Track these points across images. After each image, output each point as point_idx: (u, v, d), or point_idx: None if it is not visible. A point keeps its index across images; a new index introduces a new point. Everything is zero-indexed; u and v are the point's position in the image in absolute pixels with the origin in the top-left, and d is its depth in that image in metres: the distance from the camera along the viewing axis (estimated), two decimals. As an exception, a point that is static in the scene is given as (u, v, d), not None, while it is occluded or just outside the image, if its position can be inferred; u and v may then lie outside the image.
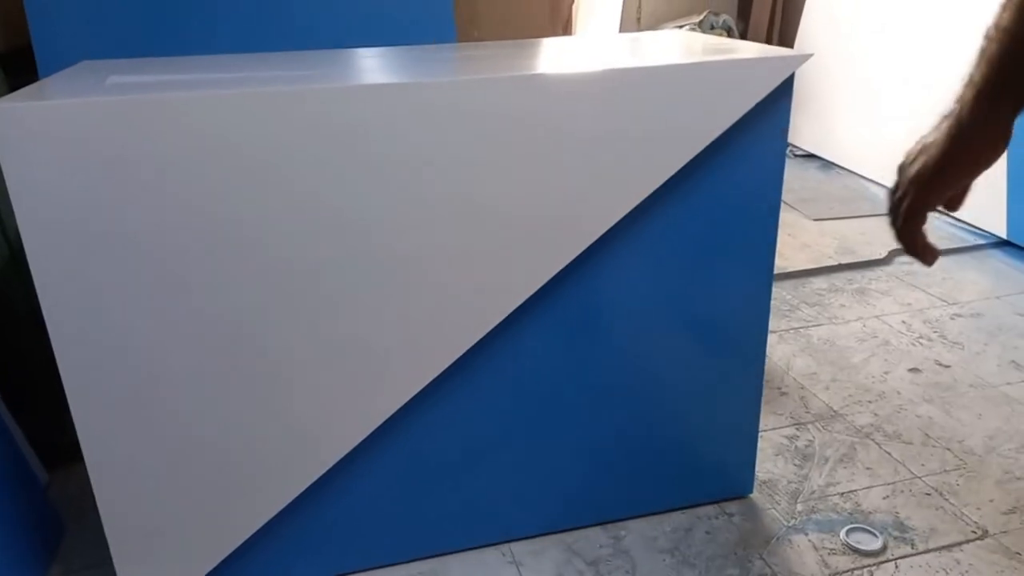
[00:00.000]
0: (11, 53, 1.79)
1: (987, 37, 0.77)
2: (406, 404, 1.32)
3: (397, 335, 1.28)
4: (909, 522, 1.58)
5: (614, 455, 1.52)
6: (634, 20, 4.48)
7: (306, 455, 1.31)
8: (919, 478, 1.70)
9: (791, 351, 2.23)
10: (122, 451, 1.22)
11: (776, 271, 1.49)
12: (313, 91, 1.13)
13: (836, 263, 2.79)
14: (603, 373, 1.45)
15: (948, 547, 1.51)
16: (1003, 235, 2.92)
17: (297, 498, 1.33)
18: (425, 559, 1.50)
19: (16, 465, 1.50)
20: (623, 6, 4.35)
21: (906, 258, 2.82)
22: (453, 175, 1.21)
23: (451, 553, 1.51)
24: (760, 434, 1.64)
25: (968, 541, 1.53)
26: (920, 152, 0.84)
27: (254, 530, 1.33)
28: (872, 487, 1.68)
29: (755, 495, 1.66)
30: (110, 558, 1.28)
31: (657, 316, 1.44)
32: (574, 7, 3.38)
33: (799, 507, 1.62)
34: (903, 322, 2.38)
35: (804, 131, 4.02)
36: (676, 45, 1.56)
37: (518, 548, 1.52)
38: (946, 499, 1.64)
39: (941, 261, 2.78)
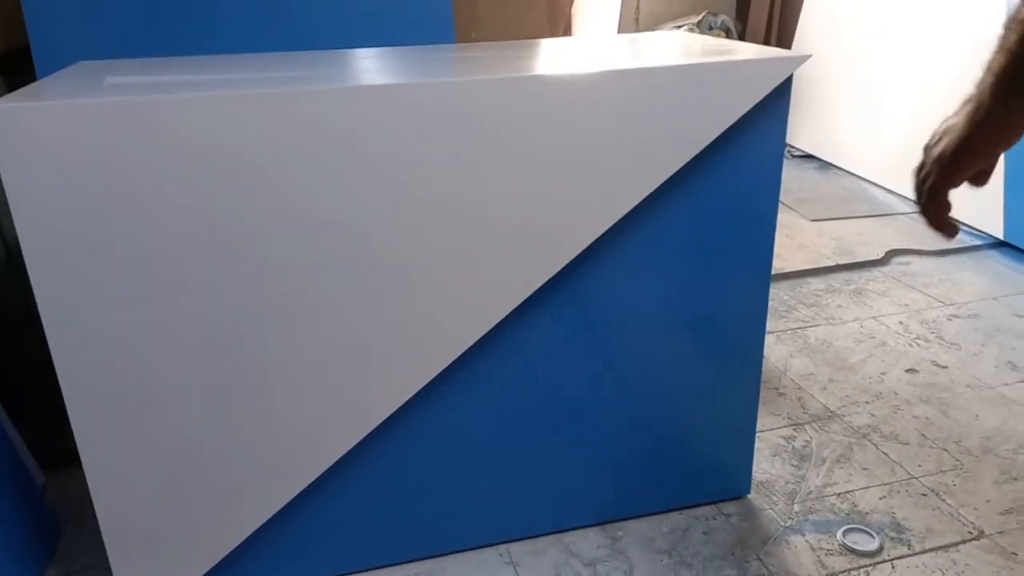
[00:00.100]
0: (9, 53, 1.79)
1: (1006, 27, 0.82)
2: (403, 405, 1.32)
3: (394, 337, 1.28)
4: (906, 522, 1.58)
5: (612, 455, 1.53)
6: (632, 20, 4.48)
7: (303, 457, 1.31)
8: (916, 479, 1.70)
9: (788, 352, 2.23)
10: (119, 453, 1.22)
11: (774, 272, 1.49)
12: (311, 92, 1.13)
13: (834, 264, 2.79)
14: (601, 374, 1.45)
15: (945, 547, 1.52)
16: (1000, 236, 2.92)
17: (294, 499, 1.33)
18: (423, 560, 1.50)
19: (13, 467, 1.50)
20: (621, 6, 4.36)
21: (903, 259, 2.84)
22: (450, 176, 1.21)
23: (449, 554, 1.51)
24: (757, 435, 1.65)
25: (965, 541, 1.53)
26: (944, 133, 0.89)
27: (251, 531, 1.33)
28: (869, 487, 1.68)
29: (752, 495, 1.66)
30: (107, 560, 1.28)
31: (655, 317, 1.44)
32: (573, 7, 3.38)
33: (796, 508, 1.62)
34: (900, 323, 2.39)
35: (802, 132, 4.03)
36: (675, 46, 1.56)
37: (516, 548, 1.52)
38: (943, 499, 1.64)
39: (938, 262, 2.80)
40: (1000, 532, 1.55)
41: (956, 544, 1.52)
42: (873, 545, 1.52)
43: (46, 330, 1.12)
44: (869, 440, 1.84)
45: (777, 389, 2.05)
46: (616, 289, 1.40)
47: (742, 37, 4.56)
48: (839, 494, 1.66)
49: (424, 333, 1.29)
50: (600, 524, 1.58)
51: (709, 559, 1.50)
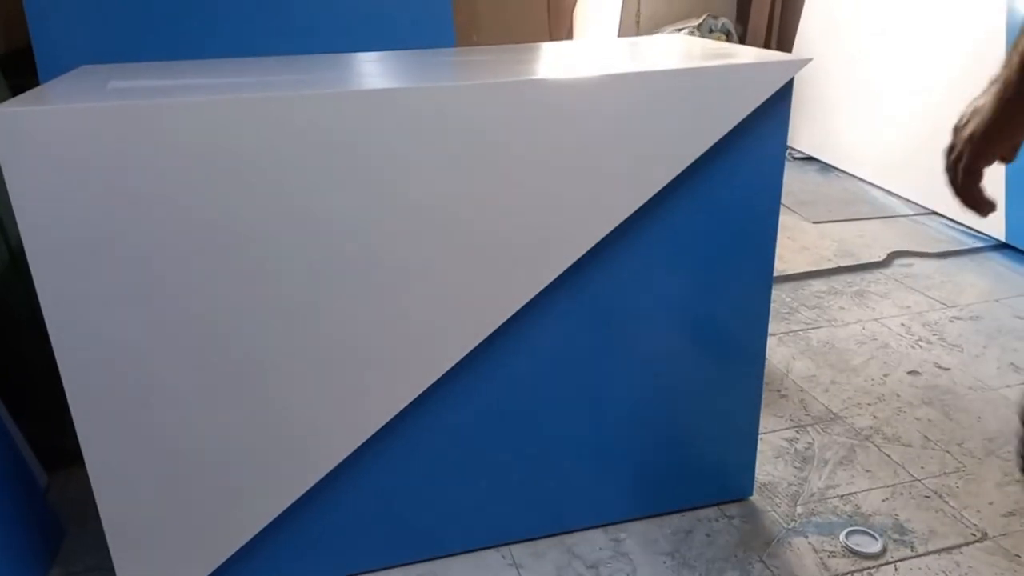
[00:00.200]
0: (11, 55, 1.79)
1: None
2: (405, 407, 1.32)
3: (396, 340, 1.28)
4: (909, 524, 1.58)
5: (614, 457, 1.53)
6: (633, 23, 4.49)
7: (305, 459, 1.31)
8: (919, 480, 1.70)
9: (790, 354, 2.23)
10: (123, 454, 1.22)
11: (775, 274, 1.50)
12: (312, 96, 1.14)
13: (835, 266, 2.79)
14: (603, 376, 1.45)
15: (948, 549, 1.51)
16: (1002, 238, 2.92)
17: (297, 501, 1.33)
18: (425, 561, 1.50)
19: (16, 468, 1.50)
20: (622, 9, 4.36)
21: (905, 260, 2.84)
22: (451, 180, 1.22)
23: (451, 555, 1.51)
24: (760, 436, 1.65)
25: (968, 543, 1.53)
26: (972, 114, 0.92)
27: (254, 533, 1.33)
28: (872, 489, 1.68)
29: (755, 497, 1.66)
30: (109, 561, 1.28)
31: (657, 319, 1.44)
32: (575, 10, 3.39)
33: (799, 509, 1.62)
34: (902, 325, 2.38)
35: (803, 134, 4.03)
36: (676, 50, 1.56)
37: (518, 550, 1.52)
38: (946, 501, 1.64)
39: (940, 264, 2.80)
40: (1003, 534, 1.54)
41: (959, 546, 1.52)
42: (876, 547, 1.51)
43: (49, 331, 1.13)
44: (871, 442, 1.84)
45: (779, 391, 2.05)
46: (618, 292, 1.40)
47: (742, 40, 4.56)
48: (842, 496, 1.66)
49: (425, 337, 1.29)
50: (602, 526, 1.58)
51: (712, 561, 1.49)
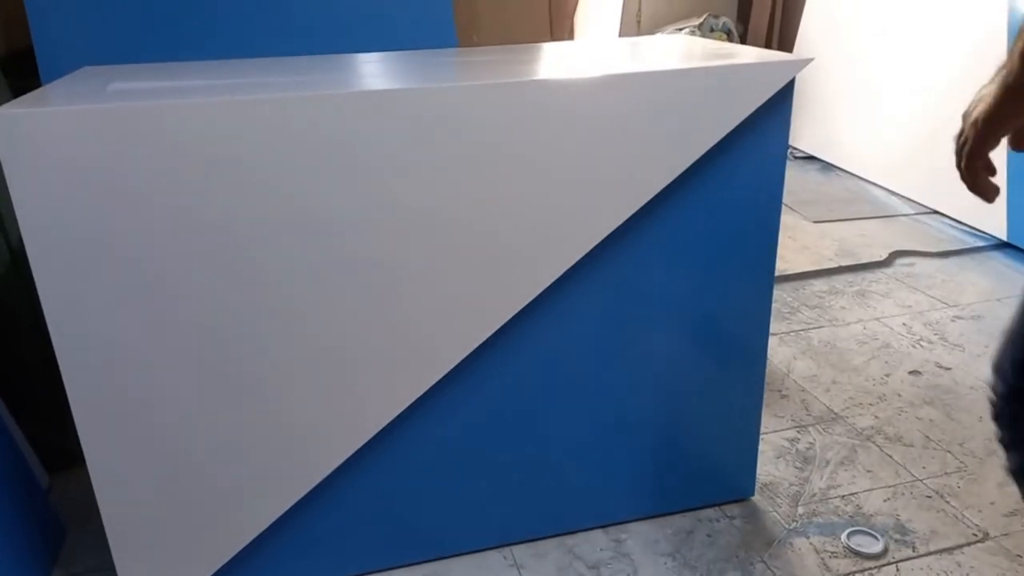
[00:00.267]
0: (12, 56, 1.79)
1: None
2: (406, 408, 1.32)
3: (398, 342, 1.28)
4: (910, 525, 1.58)
5: (615, 458, 1.53)
6: (634, 22, 4.49)
7: (306, 460, 1.31)
8: (920, 481, 1.70)
9: (792, 353, 2.23)
10: (124, 455, 1.22)
11: (776, 273, 1.49)
12: (316, 97, 1.14)
13: (836, 265, 2.79)
14: (605, 376, 1.45)
15: (949, 550, 1.51)
16: (1003, 237, 2.92)
17: (298, 502, 1.33)
18: (426, 562, 1.50)
19: (17, 468, 1.50)
20: (623, 8, 4.36)
21: (906, 260, 2.84)
22: (451, 182, 1.21)
23: (452, 556, 1.51)
24: (761, 437, 1.65)
25: (969, 544, 1.53)
26: (979, 101, 0.96)
27: (255, 534, 1.33)
28: (873, 490, 1.68)
29: (756, 498, 1.66)
30: (111, 562, 1.28)
31: (659, 319, 1.44)
32: (576, 9, 3.38)
33: (800, 510, 1.62)
34: (903, 324, 2.38)
35: (804, 133, 4.03)
36: (677, 50, 1.56)
37: (519, 551, 1.52)
38: (947, 502, 1.64)
39: (941, 263, 2.80)
40: (1005, 534, 1.54)
41: (961, 546, 1.52)
42: (877, 547, 1.51)
43: (51, 333, 1.13)
44: (873, 442, 1.83)
45: (780, 391, 2.05)
46: (619, 292, 1.40)
47: (743, 39, 4.56)
48: (843, 496, 1.66)
49: (427, 338, 1.29)
50: (603, 526, 1.58)
51: (713, 562, 1.49)
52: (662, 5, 4.54)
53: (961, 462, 1.76)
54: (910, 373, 2.13)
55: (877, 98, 3.60)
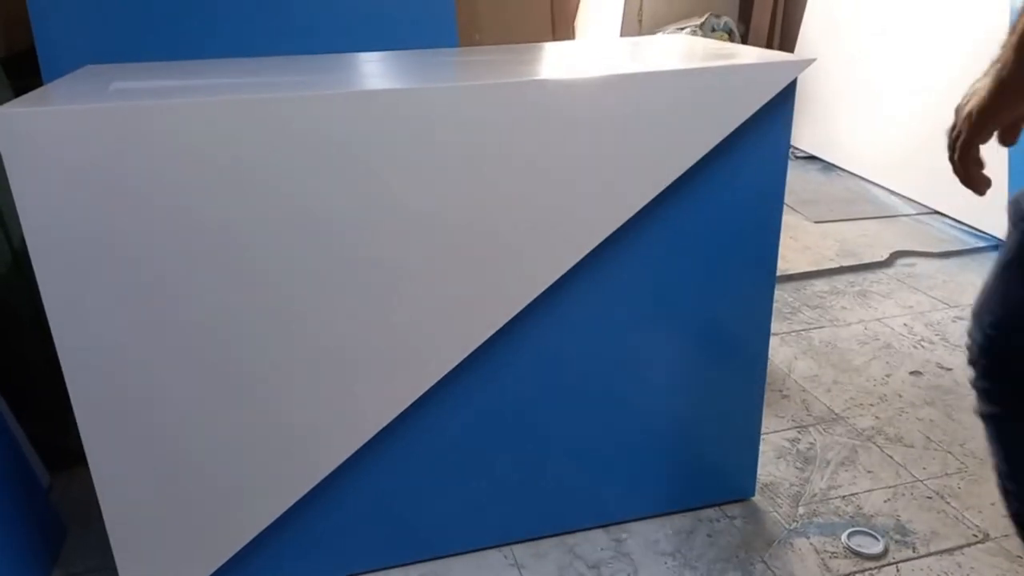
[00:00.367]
0: (14, 57, 1.79)
1: None
2: (407, 408, 1.32)
3: (399, 342, 1.28)
4: (910, 525, 1.58)
5: (616, 457, 1.53)
6: (635, 22, 4.49)
7: (307, 460, 1.32)
8: (920, 481, 1.70)
9: (792, 353, 2.23)
10: (125, 455, 1.22)
11: (777, 273, 1.49)
12: (318, 97, 1.14)
13: (837, 265, 2.79)
14: (605, 375, 1.45)
15: (949, 550, 1.51)
16: (1004, 238, 2.91)
17: (298, 501, 1.33)
18: (426, 561, 1.50)
19: (18, 468, 1.50)
20: (624, 8, 4.36)
21: (907, 260, 2.84)
22: (452, 182, 1.22)
23: (453, 555, 1.51)
24: (762, 437, 1.65)
25: (969, 544, 1.53)
26: (973, 95, 0.99)
27: (255, 533, 1.33)
28: (873, 490, 1.68)
29: (757, 498, 1.66)
30: (111, 562, 1.28)
31: (659, 319, 1.44)
32: (578, 9, 3.38)
33: (801, 510, 1.62)
34: (904, 325, 2.38)
35: (805, 133, 4.03)
36: (679, 50, 1.56)
37: (520, 550, 1.53)
38: (947, 502, 1.64)
39: (942, 263, 2.80)
40: (1005, 535, 1.54)
41: (961, 547, 1.52)
42: (878, 548, 1.51)
43: (52, 332, 1.13)
44: (873, 442, 1.83)
45: (781, 391, 2.05)
46: (620, 292, 1.40)
47: (744, 39, 4.56)
48: (843, 497, 1.66)
49: (427, 338, 1.29)
50: (604, 526, 1.58)
51: (713, 561, 1.49)
52: (663, 5, 4.54)
53: (962, 463, 1.76)
54: (911, 374, 2.12)
55: (878, 98, 3.60)
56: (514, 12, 2.54)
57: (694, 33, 4.34)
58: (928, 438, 1.85)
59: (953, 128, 1.03)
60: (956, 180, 1.08)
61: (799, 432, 1.88)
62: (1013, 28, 0.93)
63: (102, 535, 1.26)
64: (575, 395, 1.45)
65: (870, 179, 3.64)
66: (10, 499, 1.42)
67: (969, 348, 1.14)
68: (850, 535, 1.54)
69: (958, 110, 1.02)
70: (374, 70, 1.45)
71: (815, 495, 1.67)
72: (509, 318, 1.31)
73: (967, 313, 2.45)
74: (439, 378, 1.32)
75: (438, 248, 1.25)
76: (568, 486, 1.52)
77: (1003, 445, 1.18)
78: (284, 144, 1.13)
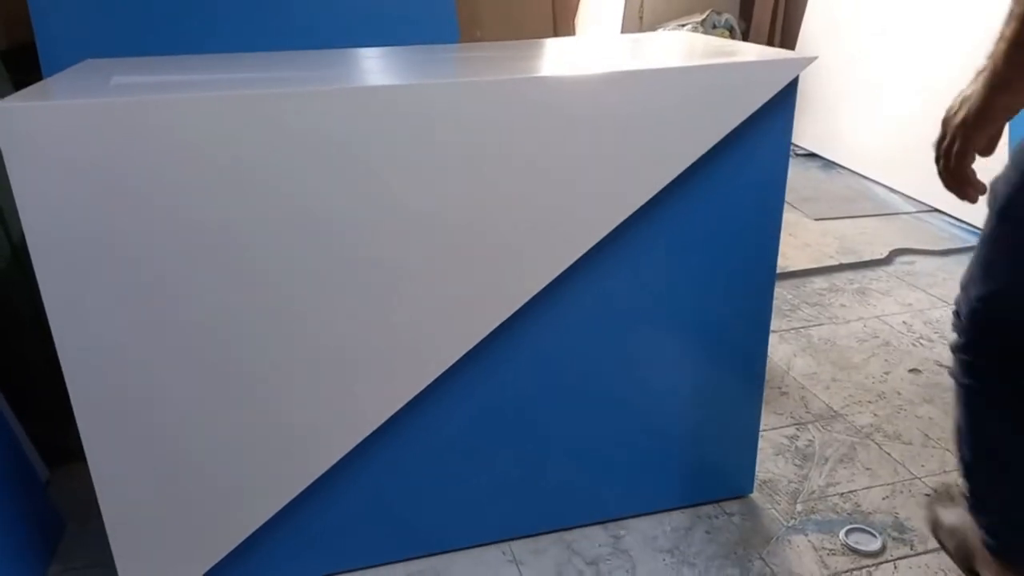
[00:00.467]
0: (14, 51, 1.79)
1: (1015, 0, 0.97)
2: (405, 404, 1.32)
3: (397, 339, 1.28)
4: (908, 523, 1.58)
5: (614, 454, 1.53)
6: (636, 18, 4.48)
7: (304, 456, 1.32)
8: (919, 479, 1.70)
9: (792, 351, 2.23)
10: (124, 452, 1.22)
11: (777, 271, 1.49)
12: (321, 92, 1.13)
13: (837, 263, 2.79)
14: (604, 372, 1.45)
15: (947, 548, 1.52)
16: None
17: (296, 497, 1.33)
18: (425, 557, 1.50)
19: (17, 463, 1.51)
20: (625, 5, 4.35)
21: (907, 258, 2.84)
22: (452, 178, 1.21)
23: (451, 551, 1.51)
24: (760, 434, 1.65)
25: (967, 542, 1.53)
26: (962, 103, 1.02)
27: (253, 529, 1.34)
28: (872, 487, 1.68)
29: (755, 495, 1.66)
30: (109, 557, 1.28)
31: (659, 316, 1.44)
32: (579, 5, 3.38)
33: (799, 507, 1.63)
34: (904, 322, 2.38)
35: (806, 130, 4.03)
36: (681, 47, 1.56)
37: (518, 546, 1.53)
38: (946, 500, 1.64)
39: (942, 261, 2.80)
40: (1003, 533, 1.55)
41: (959, 544, 1.52)
42: (875, 545, 1.52)
43: (52, 328, 1.13)
44: (872, 440, 1.84)
45: (780, 388, 2.05)
46: (621, 289, 1.40)
47: (745, 36, 4.55)
48: (842, 494, 1.66)
49: (425, 335, 1.29)
50: (602, 522, 1.58)
51: (711, 558, 1.50)
52: (664, 1, 4.53)
53: (960, 460, 1.76)
54: (910, 371, 2.13)
55: (878, 95, 3.60)
56: (515, 8, 2.54)
57: (695, 30, 4.33)
58: (927, 436, 1.85)
59: (942, 139, 1.05)
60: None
61: (798, 429, 1.88)
62: (1000, 36, 0.97)
63: (100, 530, 1.26)
64: (574, 392, 1.45)
65: (870, 176, 3.64)
66: (9, 494, 1.43)
67: (956, 314, 1.29)
68: (848, 532, 1.55)
69: (946, 121, 1.04)
70: (375, 66, 1.45)
71: (813, 492, 1.67)
72: (508, 315, 1.31)
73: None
74: (438, 375, 1.32)
75: (437, 244, 1.24)
76: (567, 483, 1.53)
77: (970, 414, 1.31)
78: (284, 139, 1.13)
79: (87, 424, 1.19)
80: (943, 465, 1.75)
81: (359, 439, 1.32)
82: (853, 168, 3.76)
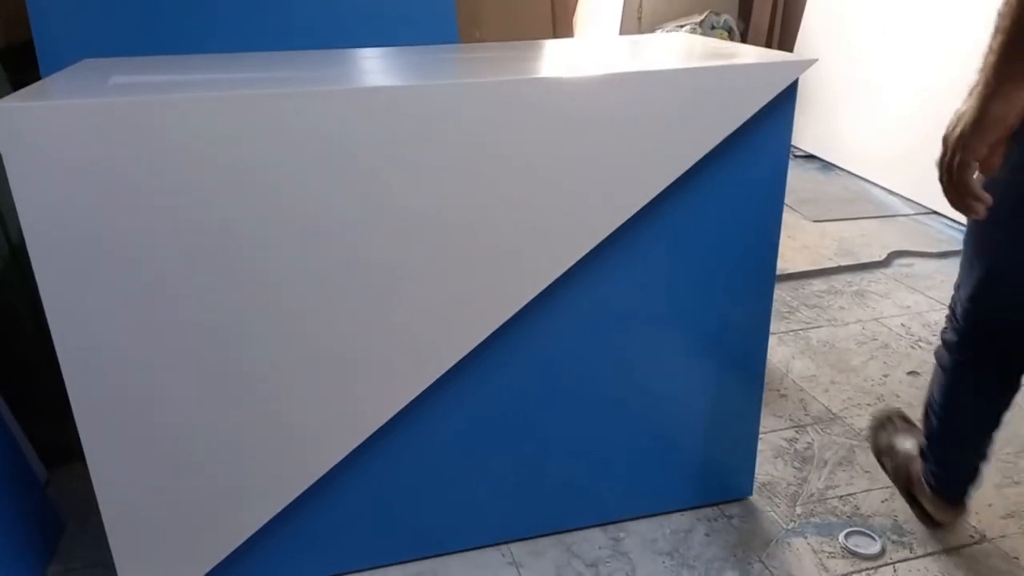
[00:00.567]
0: (12, 50, 1.78)
1: (1000, 13, 0.99)
2: (405, 406, 1.32)
3: (397, 341, 1.28)
4: (907, 526, 1.58)
5: (614, 456, 1.53)
6: (635, 19, 4.48)
7: (304, 458, 1.31)
8: (918, 481, 1.70)
9: (790, 353, 2.23)
10: (123, 452, 1.22)
11: (776, 273, 1.49)
12: (320, 93, 1.13)
13: (836, 265, 2.79)
14: (604, 375, 1.45)
15: (946, 551, 1.52)
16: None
17: (296, 499, 1.33)
18: (425, 559, 1.50)
19: (16, 463, 1.50)
20: (624, 5, 4.35)
21: (906, 260, 2.84)
22: (451, 180, 1.21)
23: (451, 553, 1.51)
24: (760, 436, 1.65)
25: (966, 545, 1.53)
26: (958, 119, 1.05)
27: (253, 531, 1.33)
28: (871, 490, 1.68)
29: (754, 497, 1.66)
30: (109, 557, 1.28)
31: (658, 319, 1.44)
32: (578, 6, 3.38)
33: (798, 510, 1.62)
34: (902, 325, 2.39)
35: (804, 132, 4.03)
36: (679, 48, 1.56)
37: (518, 549, 1.53)
38: (945, 503, 1.64)
39: (940, 264, 2.80)
40: (1002, 536, 1.55)
41: (958, 548, 1.52)
42: (875, 548, 1.52)
43: (51, 329, 1.12)
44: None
45: (779, 391, 2.05)
46: (620, 291, 1.40)
47: (744, 37, 4.56)
48: (841, 497, 1.66)
49: (425, 337, 1.29)
50: (602, 525, 1.58)
51: (711, 561, 1.50)
52: (663, 2, 4.53)
53: (959, 463, 1.76)
54: (908, 374, 2.13)
55: (878, 97, 3.60)
56: (515, 9, 2.53)
57: (694, 31, 4.33)
58: (925, 438, 1.85)
59: (943, 157, 1.08)
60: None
61: (797, 432, 1.88)
62: (989, 50, 1.01)
63: (99, 530, 1.26)
64: (574, 394, 1.45)
65: (869, 178, 3.64)
66: (8, 494, 1.42)
67: (951, 307, 1.41)
68: (847, 535, 1.55)
69: (946, 138, 1.07)
70: (375, 66, 1.45)
71: (812, 495, 1.67)
72: (508, 317, 1.31)
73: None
74: (437, 377, 1.31)
75: (437, 245, 1.24)
76: (567, 484, 1.52)
77: (949, 393, 1.43)
78: (284, 139, 1.13)
79: (86, 424, 1.18)
80: (942, 468, 1.75)
81: (359, 441, 1.32)
82: (852, 170, 3.76)
